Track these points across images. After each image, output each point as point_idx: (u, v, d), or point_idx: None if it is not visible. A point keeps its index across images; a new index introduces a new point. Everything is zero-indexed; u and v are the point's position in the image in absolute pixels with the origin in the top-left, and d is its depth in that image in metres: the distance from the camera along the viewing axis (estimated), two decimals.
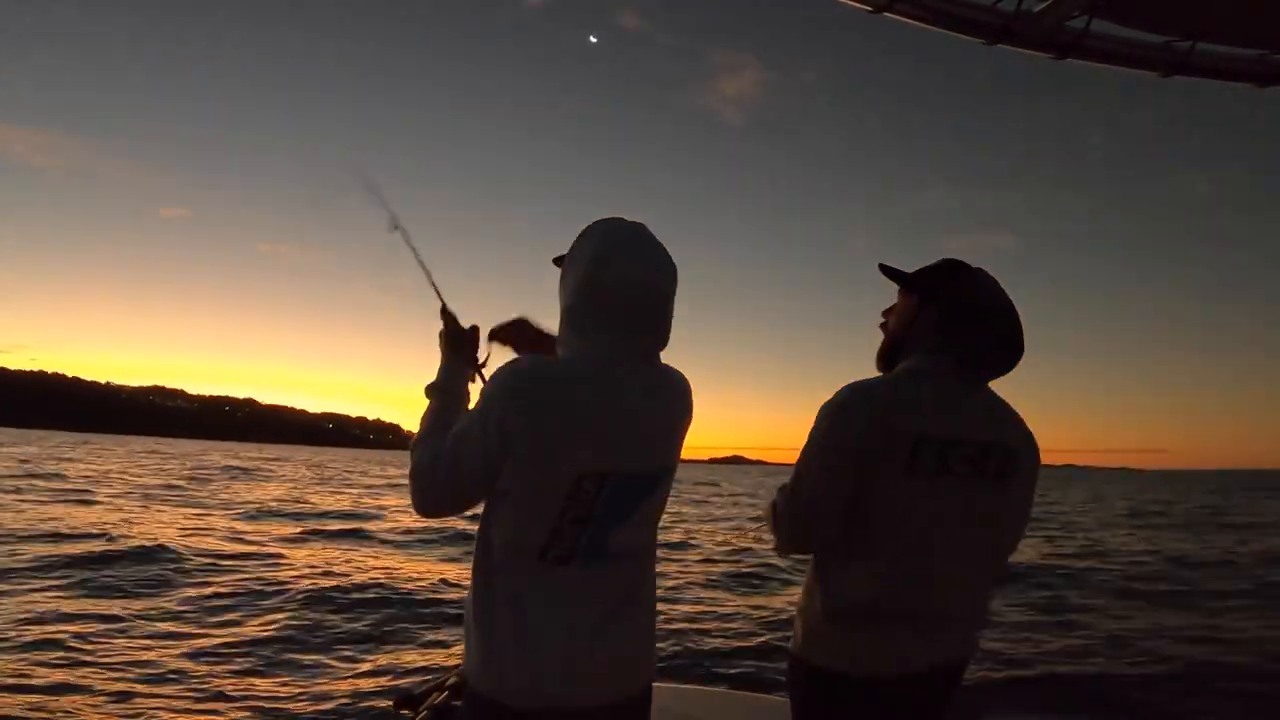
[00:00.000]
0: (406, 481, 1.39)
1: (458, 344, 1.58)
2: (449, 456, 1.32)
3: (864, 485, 1.46)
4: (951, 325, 1.54)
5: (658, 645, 1.50)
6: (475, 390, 1.53)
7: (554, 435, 1.25)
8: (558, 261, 1.43)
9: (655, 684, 1.52)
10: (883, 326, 1.67)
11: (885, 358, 1.64)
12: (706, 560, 12.04)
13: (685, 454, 1.48)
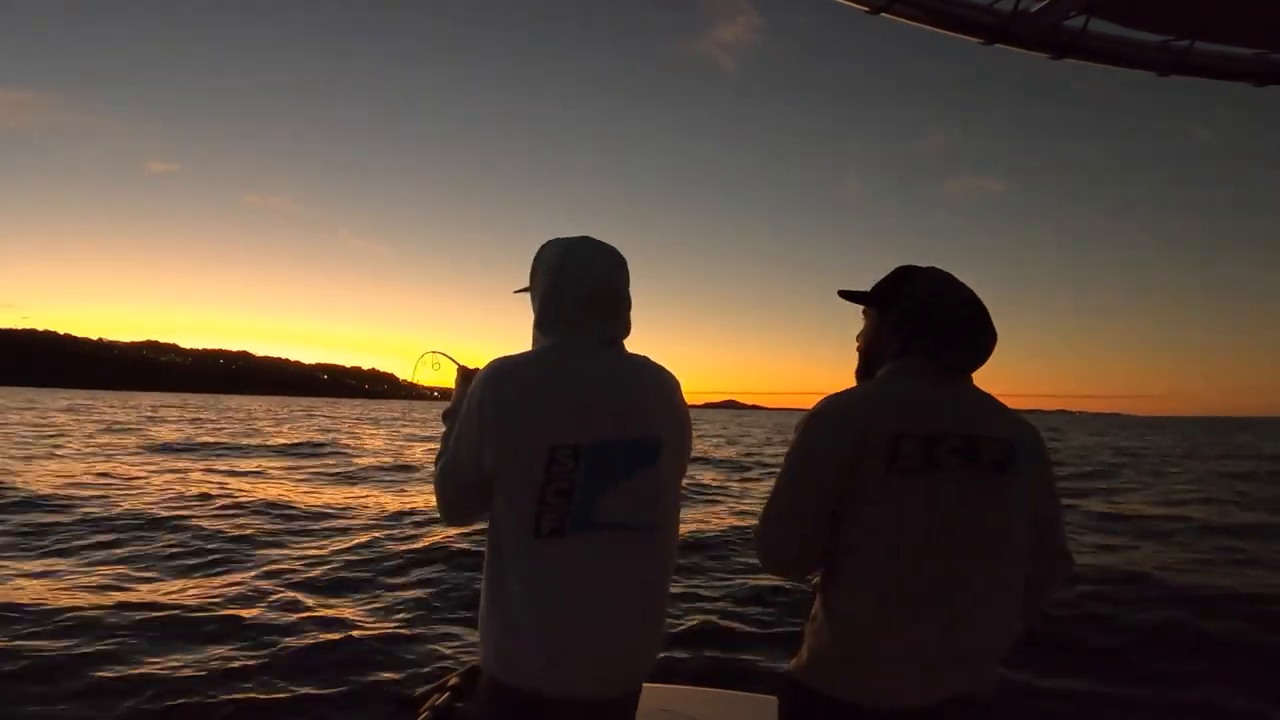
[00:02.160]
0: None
1: (468, 379, 1.74)
2: (449, 459, 1.51)
3: (847, 495, 1.42)
4: (909, 326, 1.53)
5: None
6: None
7: (521, 411, 1.39)
8: (520, 291, 1.64)
9: (653, 684, 1.57)
10: (858, 348, 1.68)
11: (862, 374, 1.65)
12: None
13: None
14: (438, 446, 1.61)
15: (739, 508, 12.73)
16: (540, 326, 1.53)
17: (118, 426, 32.05)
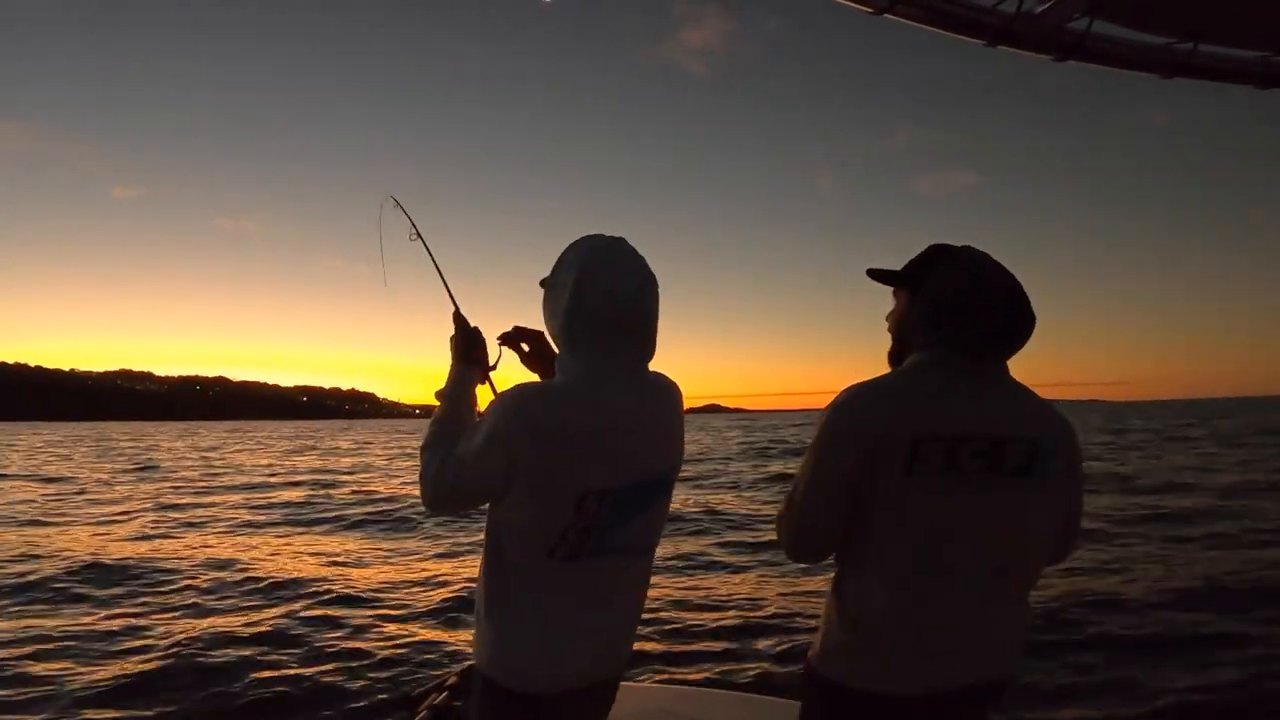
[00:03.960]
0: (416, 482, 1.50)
1: (468, 350, 1.63)
2: (457, 470, 1.40)
3: (865, 492, 1.41)
4: (938, 314, 1.47)
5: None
6: (483, 393, 1.63)
7: (557, 461, 1.33)
8: (544, 284, 1.50)
9: (654, 684, 1.62)
10: (889, 329, 1.63)
11: (894, 358, 1.60)
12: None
13: None
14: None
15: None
16: (562, 342, 1.44)
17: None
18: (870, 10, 3.13)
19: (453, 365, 1.62)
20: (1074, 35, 2.88)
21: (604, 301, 1.37)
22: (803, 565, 1.58)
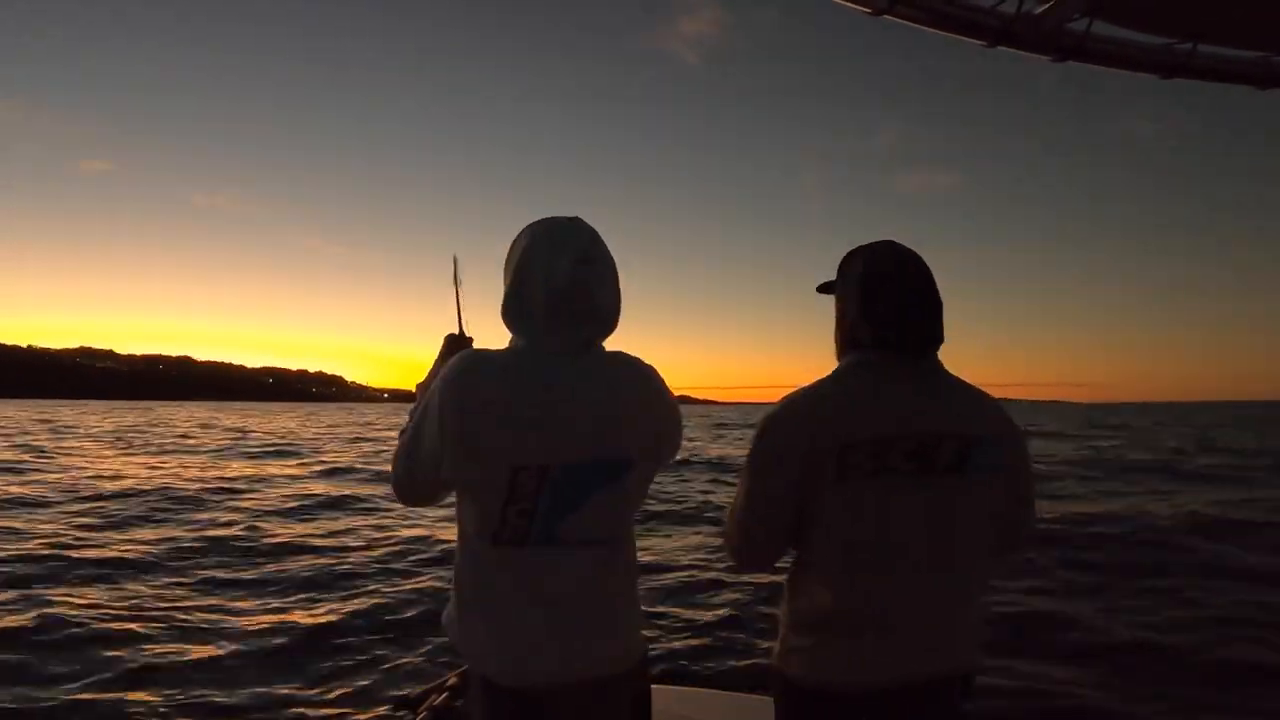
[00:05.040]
0: None
1: (454, 348, 1.68)
2: (406, 448, 1.43)
3: (803, 502, 1.43)
4: (852, 312, 1.48)
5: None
6: None
7: (482, 430, 1.31)
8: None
9: (654, 685, 1.58)
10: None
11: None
12: None
13: None
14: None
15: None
16: (505, 320, 1.44)
17: None
18: (869, 11, 3.09)
19: (436, 359, 1.66)
20: (1074, 36, 2.86)
21: (542, 279, 1.37)
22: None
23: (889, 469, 1.38)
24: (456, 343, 1.71)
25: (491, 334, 1.53)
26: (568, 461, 1.34)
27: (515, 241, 1.45)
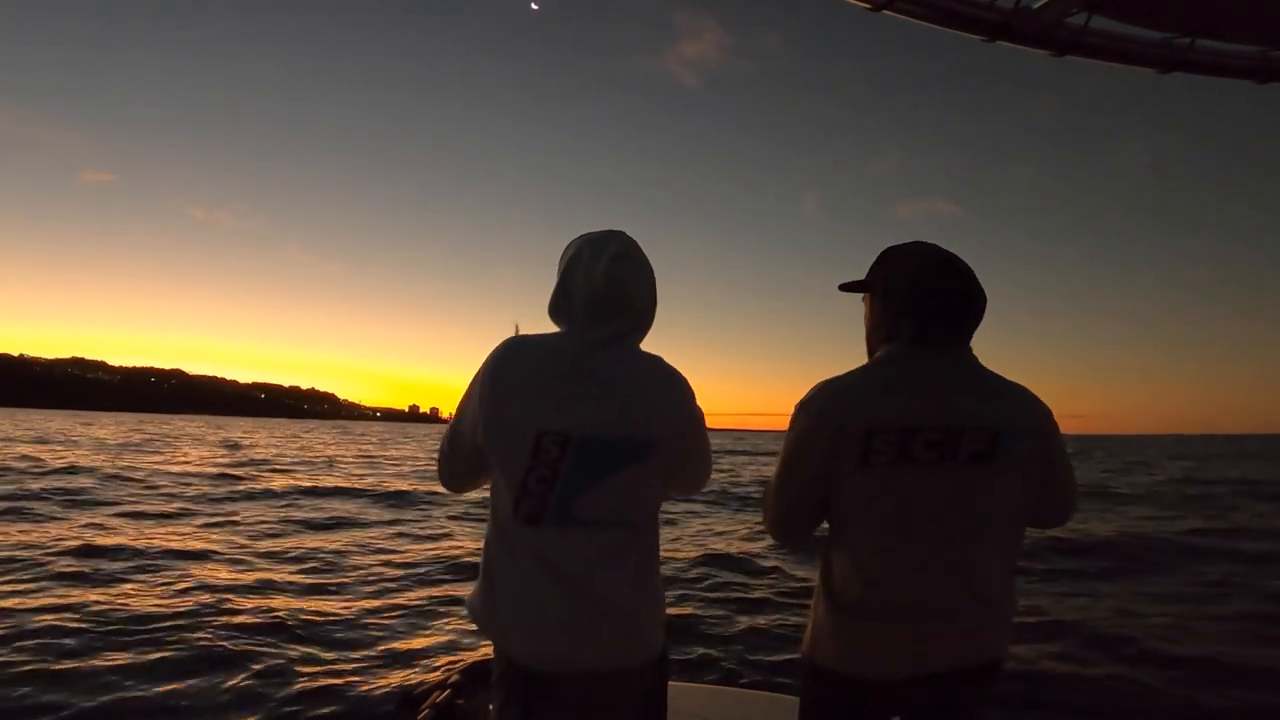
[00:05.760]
0: None
1: None
2: (451, 428, 1.53)
3: (830, 483, 1.47)
4: (890, 308, 1.52)
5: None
6: None
7: (514, 390, 1.40)
8: None
9: (673, 683, 1.61)
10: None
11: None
12: None
13: None
14: None
15: None
16: (553, 317, 1.54)
17: None
18: (868, 6, 3.12)
19: None
20: (1072, 31, 2.89)
21: (583, 276, 1.48)
22: (795, 554, 1.62)
23: (910, 458, 1.40)
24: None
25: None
26: (591, 433, 1.40)
27: (566, 249, 1.57)
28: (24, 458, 22.25)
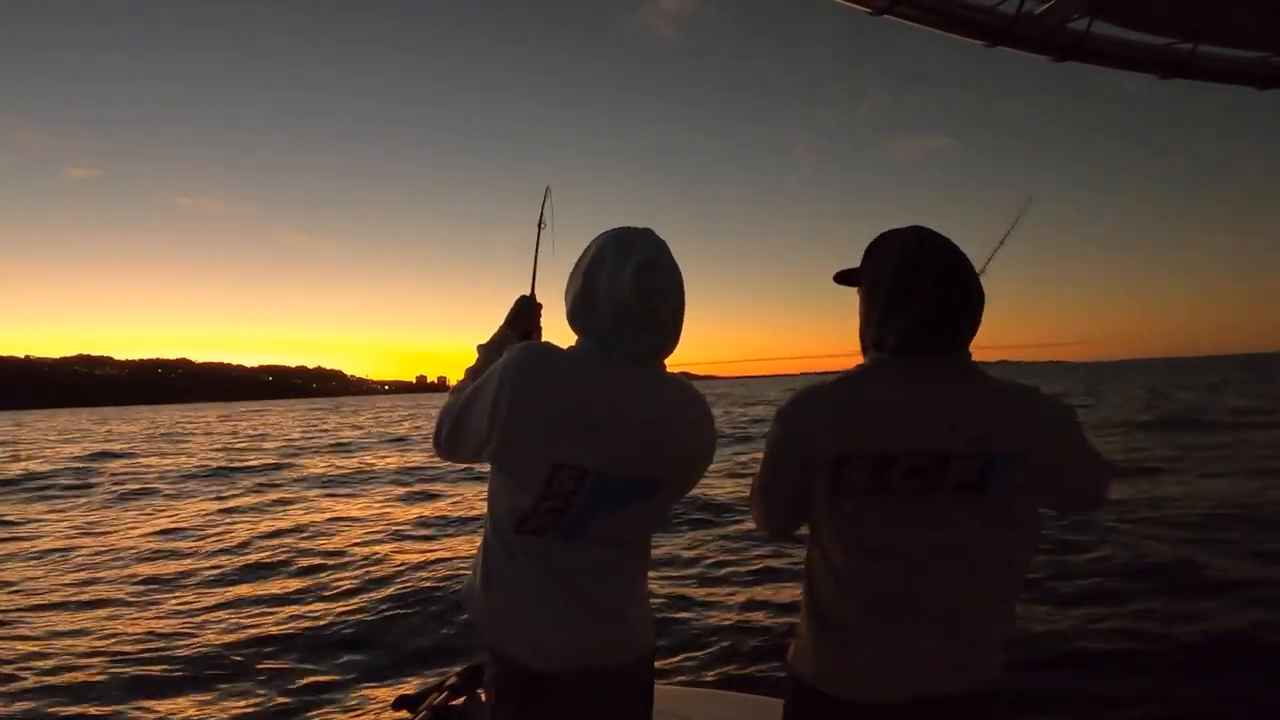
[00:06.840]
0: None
1: (516, 316, 1.77)
2: (456, 411, 1.44)
3: (809, 498, 1.39)
4: (873, 313, 1.38)
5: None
6: None
7: (530, 426, 1.32)
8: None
9: (660, 684, 1.59)
10: None
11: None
12: None
13: None
14: None
15: None
16: (574, 327, 1.45)
17: None
18: (869, 10, 3.11)
19: (500, 327, 1.74)
20: (1074, 35, 2.89)
21: (608, 286, 1.36)
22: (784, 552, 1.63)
23: (885, 488, 1.30)
24: (526, 305, 1.77)
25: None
26: (608, 473, 1.35)
27: (587, 249, 1.46)
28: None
